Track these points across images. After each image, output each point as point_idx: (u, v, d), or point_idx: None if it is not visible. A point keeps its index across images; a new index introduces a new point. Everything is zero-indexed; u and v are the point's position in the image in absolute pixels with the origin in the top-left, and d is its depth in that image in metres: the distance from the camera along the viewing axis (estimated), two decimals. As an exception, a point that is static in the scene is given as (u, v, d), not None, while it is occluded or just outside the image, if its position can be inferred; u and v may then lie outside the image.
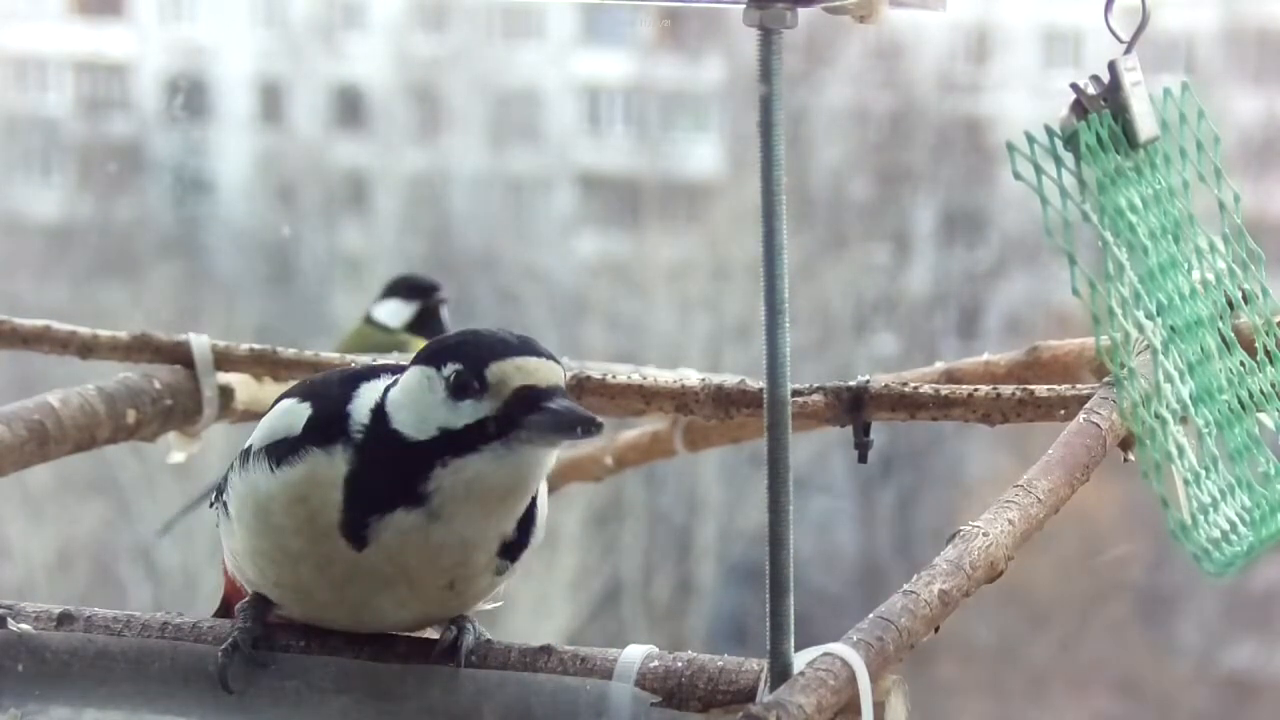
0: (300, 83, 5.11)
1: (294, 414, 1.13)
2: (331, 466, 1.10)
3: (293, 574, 1.13)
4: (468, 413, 1.09)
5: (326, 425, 1.11)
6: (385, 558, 1.10)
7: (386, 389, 1.12)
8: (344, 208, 5.22)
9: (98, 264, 4.89)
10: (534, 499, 1.13)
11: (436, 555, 1.10)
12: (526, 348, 1.09)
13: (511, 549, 1.13)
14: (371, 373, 1.15)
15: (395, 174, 5.20)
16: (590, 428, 1.07)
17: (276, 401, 1.18)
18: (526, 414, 1.08)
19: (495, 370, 1.08)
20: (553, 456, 1.11)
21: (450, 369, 1.09)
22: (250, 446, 1.14)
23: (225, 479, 1.18)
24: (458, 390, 1.09)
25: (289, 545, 1.12)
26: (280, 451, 1.11)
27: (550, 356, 1.10)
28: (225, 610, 1.22)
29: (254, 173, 5.19)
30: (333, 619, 1.15)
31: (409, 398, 1.10)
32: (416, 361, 1.12)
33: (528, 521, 1.13)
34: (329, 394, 1.14)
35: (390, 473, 1.09)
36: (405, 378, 1.11)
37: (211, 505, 1.20)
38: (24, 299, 4.44)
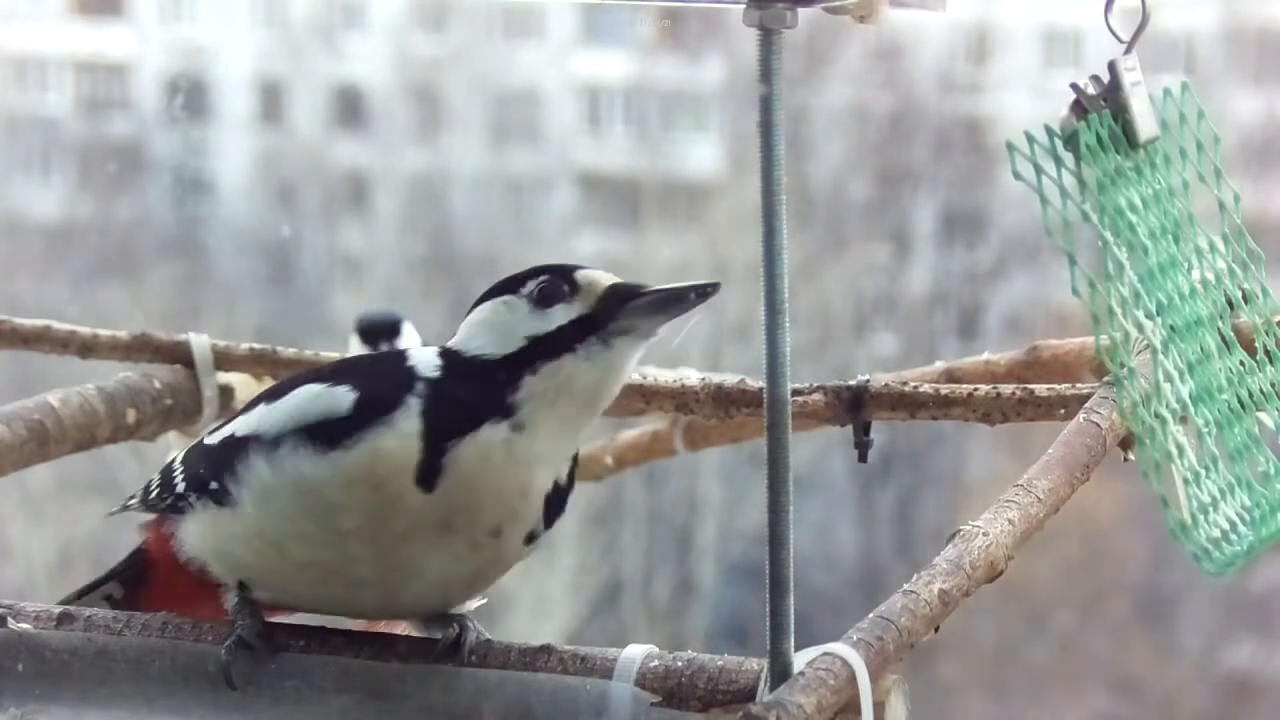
0: (300, 83, 5.10)
1: (328, 398, 1.13)
2: (407, 421, 1.11)
3: (326, 554, 1.12)
4: (559, 315, 1.12)
5: (387, 392, 1.11)
6: (457, 488, 1.10)
7: (440, 347, 1.14)
8: (344, 208, 5.22)
9: (98, 264, 4.89)
10: (571, 472, 1.15)
11: (507, 477, 1.11)
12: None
13: (550, 513, 1.14)
14: (400, 351, 1.18)
15: (395, 174, 5.20)
16: (705, 290, 1.10)
17: (261, 400, 1.17)
18: (623, 305, 1.11)
19: (584, 275, 1.13)
20: (636, 358, 1.13)
21: (533, 284, 1.13)
22: (252, 436, 1.14)
23: (194, 472, 1.17)
24: (545, 299, 1.12)
25: (339, 523, 1.11)
26: (330, 433, 1.11)
27: None
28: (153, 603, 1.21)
29: (254, 173, 5.19)
30: (340, 601, 1.15)
31: (483, 328, 1.13)
32: (484, 300, 1.14)
33: (565, 490, 1.14)
34: (364, 372, 1.15)
35: (474, 393, 1.11)
36: (472, 318, 1.14)
37: (162, 502, 1.19)
38: (24, 299, 4.44)
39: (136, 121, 5.06)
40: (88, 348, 1.53)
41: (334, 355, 1.52)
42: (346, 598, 1.15)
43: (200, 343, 1.53)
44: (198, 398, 1.52)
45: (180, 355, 1.52)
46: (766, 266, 1.02)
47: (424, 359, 1.14)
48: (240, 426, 1.16)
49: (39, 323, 1.55)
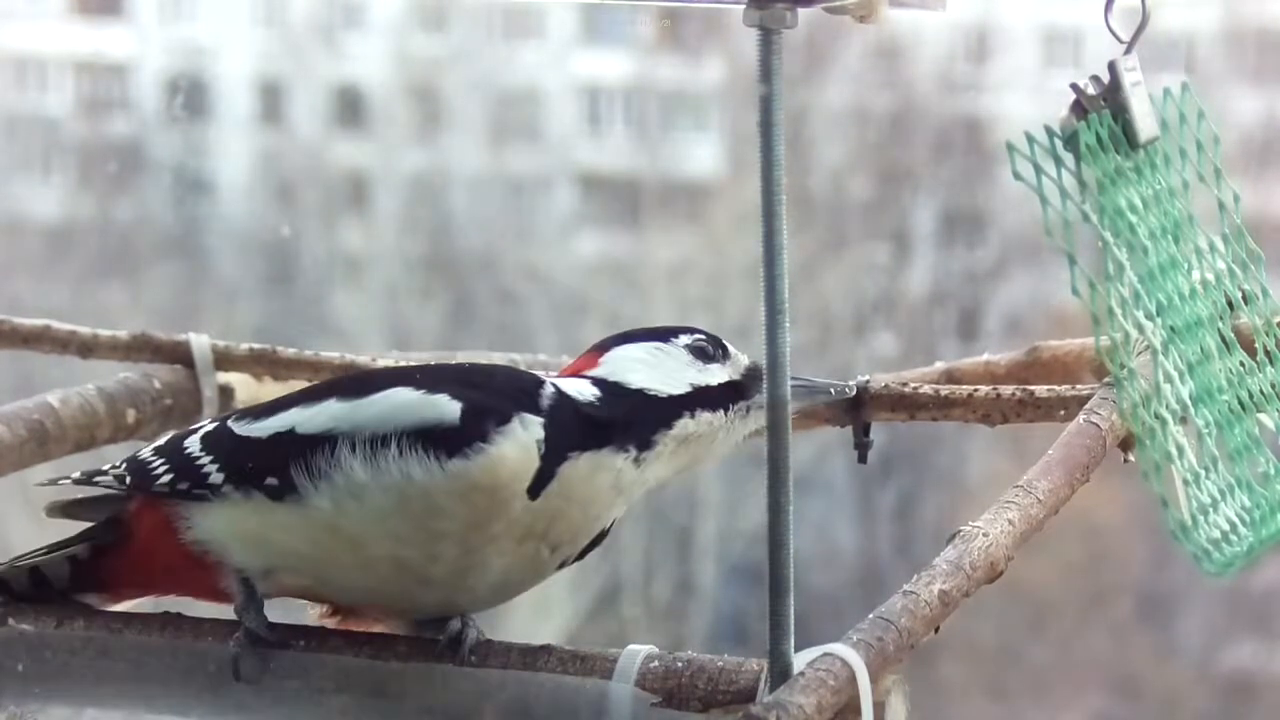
0: (300, 83, 5.10)
1: (427, 405, 1.14)
2: (528, 431, 1.13)
3: (409, 552, 1.14)
4: (718, 373, 1.19)
5: (494, 404, 1.14)
6: (557, 497, 1.14)
7: (591, 378, 1.19)
8: (344, 208, 5.21)
9: (98, 264, 4.89)
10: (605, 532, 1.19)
11: (600, 500, 1.15)
12: None
13: (589, 545, 1.19)
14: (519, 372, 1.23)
15: (395, 174, 5.19)
16: (844, 391, 1.24)
17: (322, 397, 1.18)
18: (761, 386, 1.13)
19: (730, 347, 1.22)
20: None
21: (688, 338, 1.21)
22: (335, 434, 1.14)
23: (236, 463, 1.17)
24: (702, 355, 1.20)
25: (437, 525, 1.13)
26: (444, 440, 1.13)
27: None
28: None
29: (254, 173, 5.19)
30: (395, 595, 1.17)
31: (640, 365, 1.18)
32: (620, 343, 1.20)
33: (607, 530, 1.19)
34: (474, 382, 1.16)
35: (629, 416, 1.16)
36: (618, 354, 1.19)
37: (181, 488, 1.19)
38: (24, 299, 4.43)
39: (136, 121, 5.05)
40: (88, 348, 1.53)
41: (334, 355, 1.52)
42: (404, 593, 1.16)
43: (200, 343, 1.53)
44: (198, 398, 1.52)
45: (180, 355, 1.52)
46: (766, 266, 1.02)
47: (578, 387, 1.18)
48: (301, 423, 1.16)
49: (39, 323, 1.55)
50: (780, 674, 1.02)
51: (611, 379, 1.18)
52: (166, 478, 1.20)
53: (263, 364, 1.52)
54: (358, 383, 1.20)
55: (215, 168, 5.18)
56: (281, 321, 4.85)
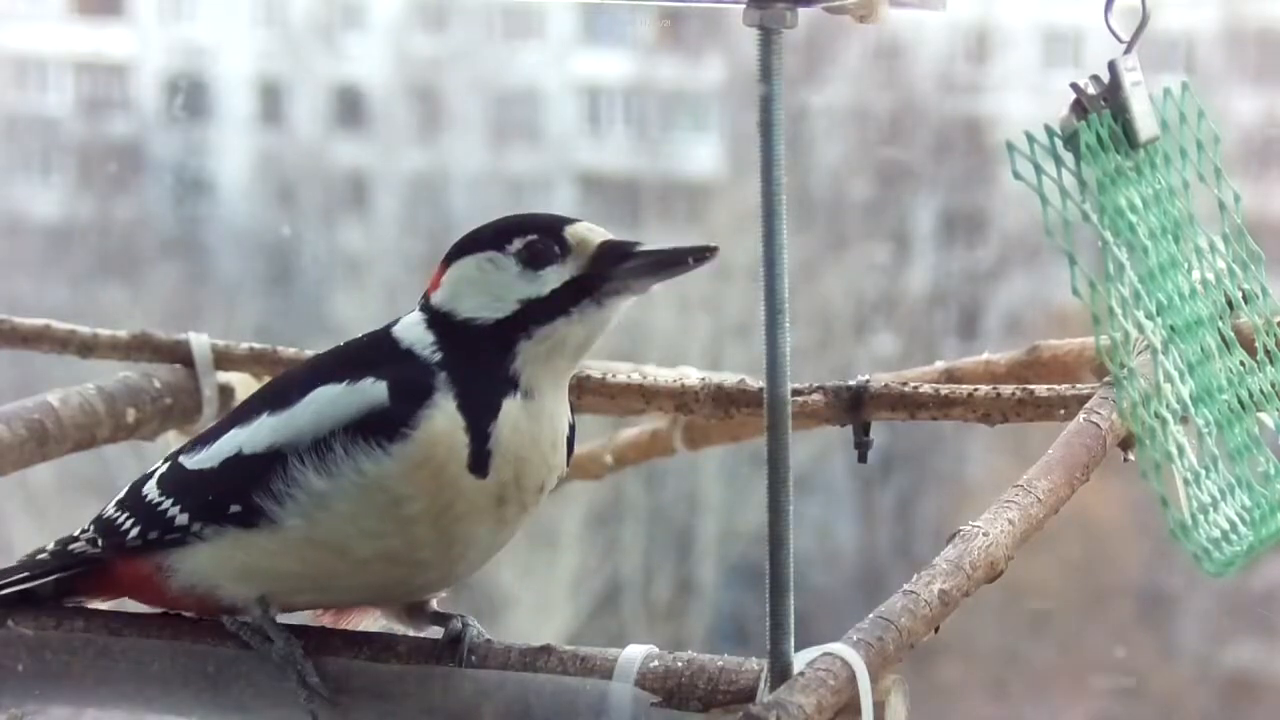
0: (300, 83, 5.10)
1: (355, 394, 1.13)
2: (447, 406, 1.11)
3: (392, 544, 1.12)
4: (552, 278, 1.12)
5: (414, 375, 1.12)
6: (505, 465, 1.12)
7: (422, 309, 1.14)
8: (344, 208, 5.21)
9: (98, 264, 4.89)
10: (571, 406, 1.16)
11: (539, 438, 1.12)
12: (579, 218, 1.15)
13: (568, 452, 1.17)
14: (384, 332, 1.16)
15: (395, 174, 5.19)
16: (704, 255, 1.10)
17: (249, 416, 1.16)
18: (617, 266, 1.11)
19: (573, 232, 1.13)
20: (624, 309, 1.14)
21: (520, 242, 1.13)
22: (279, 450, 1.12)
23: (196, 501, 1.15)
24: (535, 260, 1.12)
25: (404, 511, 1.11)
26: (382, 426, 1.11)
27: None
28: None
29: (254, 173, 5.18)
30: (397, 583, 1.16)
31: (469, 287, 1.13)
32: (460, 254, 1.13)
33: (573, 425, 1.17)
34: (371, 360, 1.14)
35: (484, 369, 1.11)
36: (452, 274, 1.13)
37: (150, 538, 1.17)
38: (24, 299, 4.43)
39: (136, 121, 5.05)
40: (87, 347, 1.53)
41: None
42: (403, 580, 1.16)
43: (200, 342, 1.53)
44: (197, 397, 1.52)
45: (180, 355, 1.52)
46: (766, 266, 1.02)
47: (415, 335, 1.14)
48: (245, 443, 1.15)
49: (39, 322, 1.55)
50: (780, 674, 1.02)
51: (442, 307, 1.14)
52: (135, 530, 1.18)
53: (263, 363, 1.52)
54: (282, 391, 1.17)
55: (215, 168, 5.17)
56: (281, 321, 4.84)
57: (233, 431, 1.16)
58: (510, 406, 1.12)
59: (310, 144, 5.19)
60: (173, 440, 1.52)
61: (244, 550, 1.15)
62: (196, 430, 1.52)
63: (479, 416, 1.12)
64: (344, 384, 1.13)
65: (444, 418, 1.11)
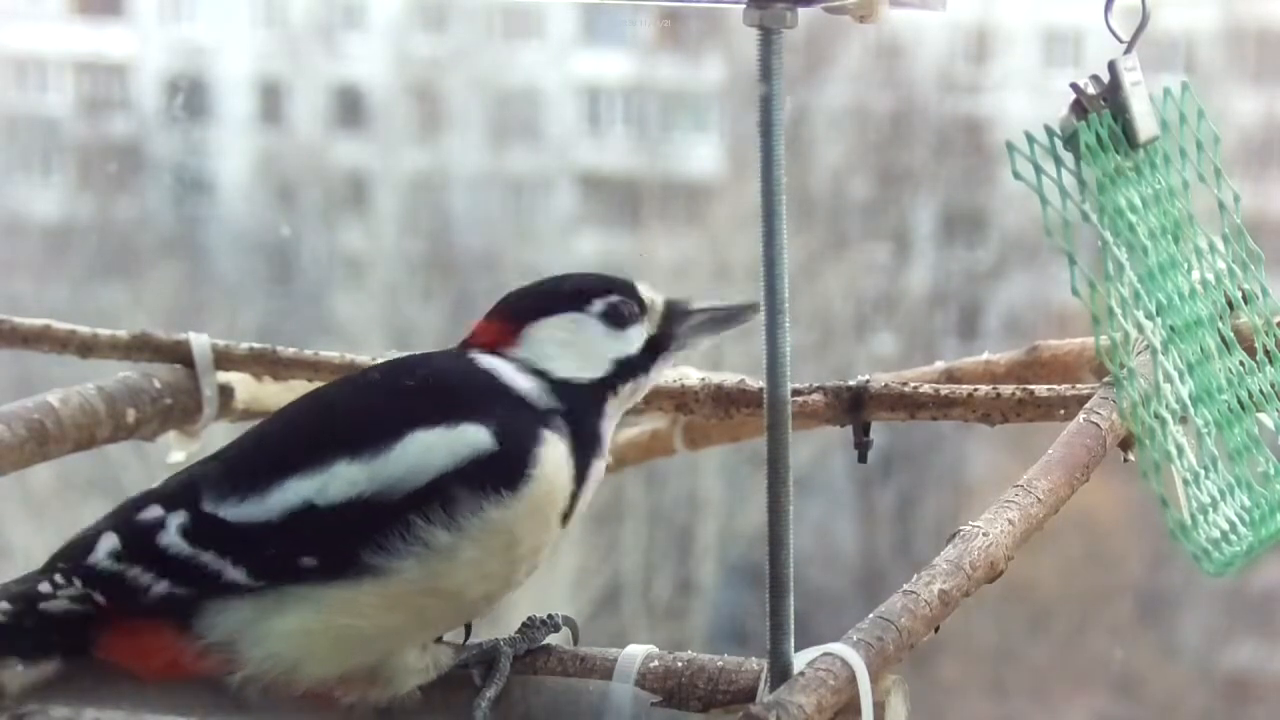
0: (300, 83, 5.10)
1: (461, 440, 1.10)
2: (557, 448, 1.12)
3: (501, 585, 1.12)
4: (635, 337, 1.17)
5: (534, 419, 1.12)
6: (582, 502, 1.15)
7: (503, 358, 1.15)
8: (344, 208, 5.21)
9: (98, 264, 4.89)
10: None
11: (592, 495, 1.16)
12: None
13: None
14: (472, 366, 1.15)
15: (395, 174, 5.19)
16: (755, 310, 1.12)
17: (311, 464, 1.09)
18: (680, 324, 1.17)
19: (646, 294, 1.18)
20: None
21: (601, 304, 1.16)
22: (368, 500, 1.08)
23: (256, 554, 1.08)
24: (619, 320, 1.16)
25: (516, 552, 1.11)
26: (501, 472, 1.09)
27: None
28: None
29: (254, 173, 5.18)
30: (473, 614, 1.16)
31: (560, 348, 1.15)
32: (537, 315, 1.15)
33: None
34: (469, 400, 1.12)
35: (581, 419, 1.14)
36: (537, 334, 1.15)
37: (179, 595, 1.09)
38: (24, 299, 4.43)
39: (136, 121, 5.05)
40: (87, 347, 1.53)
41: (333, 355, 1.51)
42: (477, 614, 1.16)
43: (200, 342, 1.52)
44: (198, 397, 1.52)
45: (180, 355, 1.52)
46: (766, 266, 1.02)
47: (523, 383, 1.14)
48: (314, 494, 1.08)
49: (39, 322, 1.55)
50: (780, 674, 1.02)
51: (538, 366, 1.15)
52: (160, 586, 1.10)
53: (263, 363, 1.52)
54: (358, 430, 1.11)
55: (215, 168, 5.17)
56: (281, 321, 4.84)
57: (295, 480, 1.09)
58: (598, 467, 1.15)
59: (310, 144, 5.19)
60: (173, 441, 1.52)
61: (312, 605, 1.09)
62: (196, 431, 1.52)
63: (582, 465, 1.14)
64: (442, 428, 1.10)
65: (561, 460, 1.12)
